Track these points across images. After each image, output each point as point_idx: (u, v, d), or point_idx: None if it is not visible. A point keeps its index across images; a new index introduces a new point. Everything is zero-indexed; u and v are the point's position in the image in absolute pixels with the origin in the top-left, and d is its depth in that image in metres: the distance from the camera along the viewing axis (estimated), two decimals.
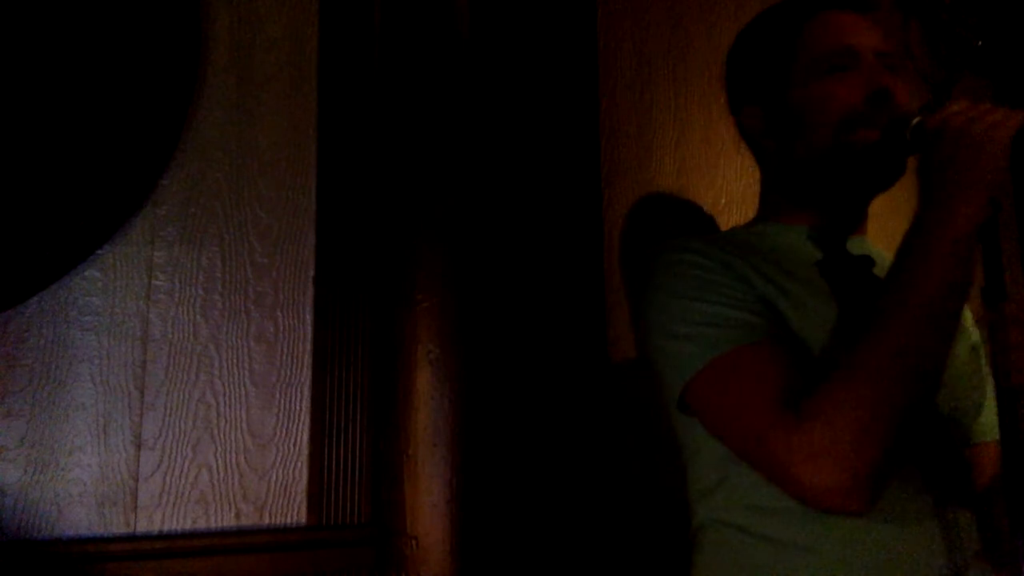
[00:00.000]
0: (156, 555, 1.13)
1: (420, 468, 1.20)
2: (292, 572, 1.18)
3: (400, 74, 1.32)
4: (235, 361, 1.23)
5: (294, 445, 1.23)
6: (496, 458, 1.24)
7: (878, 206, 1.06)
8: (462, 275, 1.26)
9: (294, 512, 1.21)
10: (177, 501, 1.17)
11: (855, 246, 1.03)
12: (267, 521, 1.20)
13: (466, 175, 1.30)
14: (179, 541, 1.15)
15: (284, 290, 1.26)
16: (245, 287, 1.25)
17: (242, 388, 1.22)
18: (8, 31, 1.18)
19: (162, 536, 1.15)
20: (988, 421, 1.00)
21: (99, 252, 1.20)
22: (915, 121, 0.90)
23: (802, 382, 0.84)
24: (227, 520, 1.19)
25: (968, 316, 1.08)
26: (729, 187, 1.50)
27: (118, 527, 1.14)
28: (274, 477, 1.21)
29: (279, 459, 1.22)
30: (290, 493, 1.22)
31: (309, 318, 1.26)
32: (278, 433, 1.23)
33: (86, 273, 1.19)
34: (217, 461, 1.20)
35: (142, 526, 1.15)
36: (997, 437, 0.86)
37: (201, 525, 1.17)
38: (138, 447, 1.17)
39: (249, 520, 1.19)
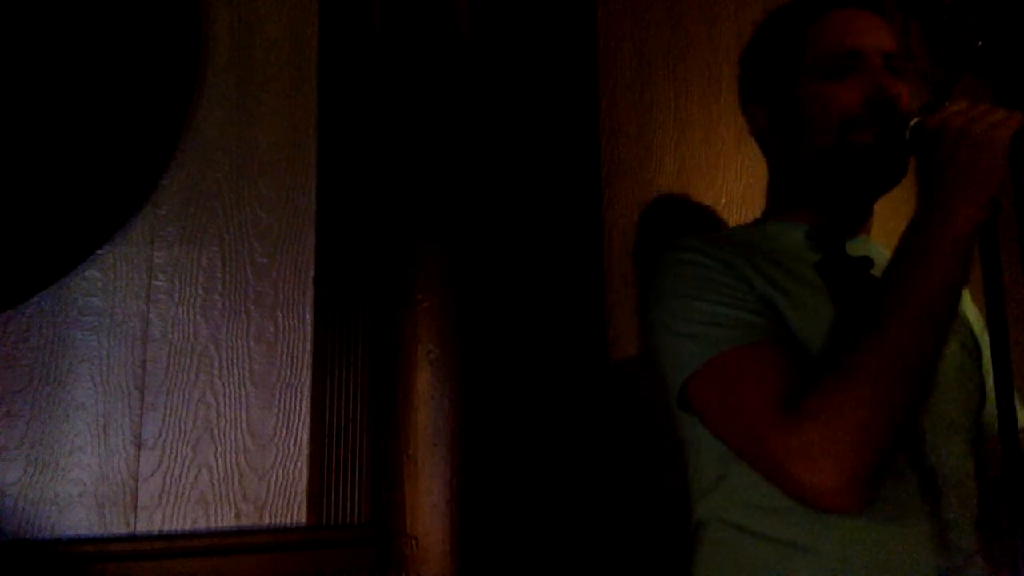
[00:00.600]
0: (156, 555, 1.13)
1: (420, 468, 1.20)
2: (292, 572, 1.18)
3: (400, 74, 1.32)
4: (235, 361, 1.23)
5: (294, 445, 1.23)
6: (496, 458, 1.24)
7: (878, 206, 1.06)
8: (462, 275, 1.26)
9: (294, 512, 1.21)
10: (177, 501, 1.17)
11: (859, 246, 1.03)
12: (267, 521, 1.20)
13: (466, 175, 1.30)
14: (179, 541, 1.15)
15: (284, 290, 1.26)
16: (245, 287, 1.25)
17: (242, 388, 1.22)
18: (8, 31, 1.19)
19: (162, 536, 1.15)
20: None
21: (99, 252, 1.20)
22: (915, 121, 0.90)
23: (801, 382, 0.84)
24: (227, 520, 1.19)
25: (975, 312, 1.08)
26: (729, 187, 1.50)
27: (118, 527, 1.14)
28: (274, 477, 1.21)
29: (279, 459, 1.22)
30: (290, 493, 1.22)
31: (309, 318, 1.27)
32: (278, 433, 1.23)
33: (86, 273, 1.19)
34: (217, 461, 1.20)
35: (142, 526, 1.15)
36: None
37: (201, 525, 1.18)
38: (138, 447, 1.17)
39: (249, 520, 1.19)
